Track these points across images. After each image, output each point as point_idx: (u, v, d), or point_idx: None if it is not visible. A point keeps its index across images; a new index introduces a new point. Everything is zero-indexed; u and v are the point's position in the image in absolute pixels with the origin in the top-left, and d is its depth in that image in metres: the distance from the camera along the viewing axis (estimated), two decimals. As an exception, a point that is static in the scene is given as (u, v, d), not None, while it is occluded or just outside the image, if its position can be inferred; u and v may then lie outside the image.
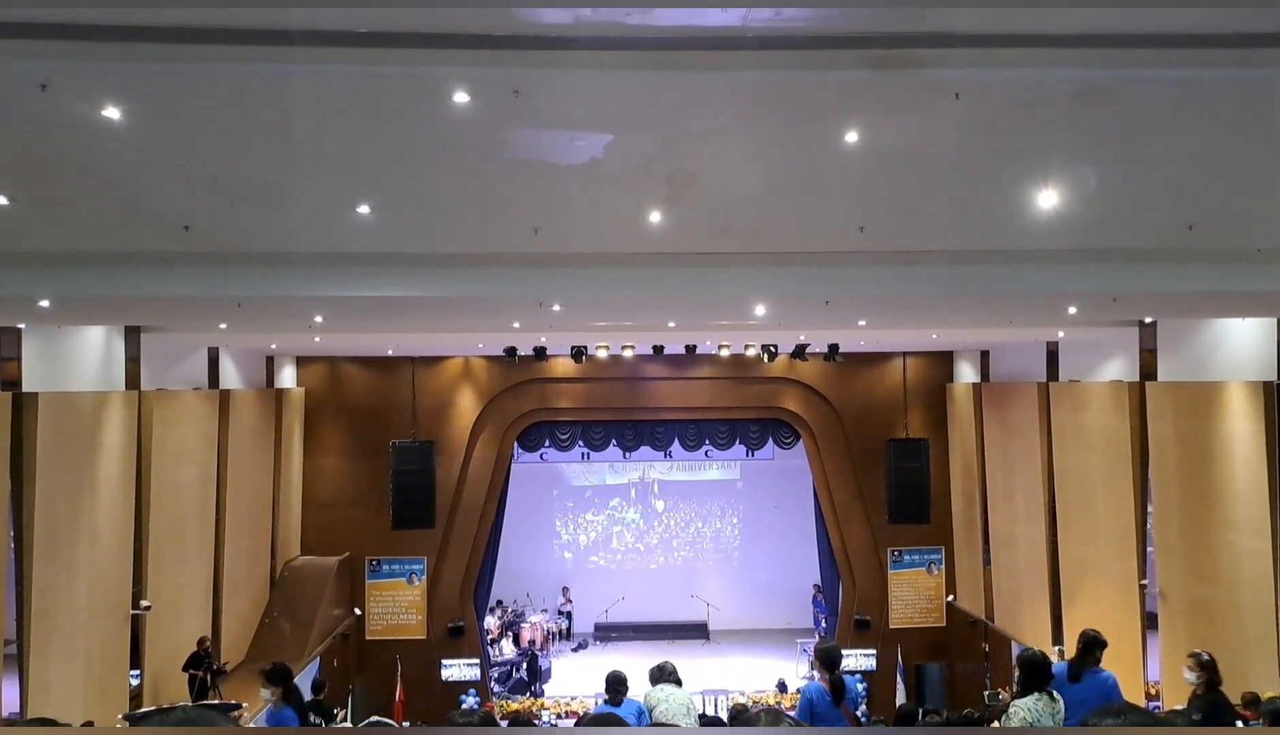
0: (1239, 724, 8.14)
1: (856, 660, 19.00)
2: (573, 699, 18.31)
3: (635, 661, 20.38)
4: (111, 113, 4.59)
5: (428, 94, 4.60)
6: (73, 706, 10.42)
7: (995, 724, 6.53)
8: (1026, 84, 4.62)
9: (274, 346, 16.99)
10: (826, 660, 7.17)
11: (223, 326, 12.16)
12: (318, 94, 4.63)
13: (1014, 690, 6.23)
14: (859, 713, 7.45)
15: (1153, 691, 12.94)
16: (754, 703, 16.71)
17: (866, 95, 4.72)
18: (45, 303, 8.49)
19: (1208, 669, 7.28)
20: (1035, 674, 5.97)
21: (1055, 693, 5.98)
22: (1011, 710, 6.02)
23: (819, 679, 7.27)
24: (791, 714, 6.93)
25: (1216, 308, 10.80)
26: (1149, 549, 13.30)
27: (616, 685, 7.60)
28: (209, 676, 13.10)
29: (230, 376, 15.93)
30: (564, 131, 5.17)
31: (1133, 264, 7.95)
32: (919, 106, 4.84)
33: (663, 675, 7.69)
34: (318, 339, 14.85)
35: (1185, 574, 12.32)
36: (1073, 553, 15.00)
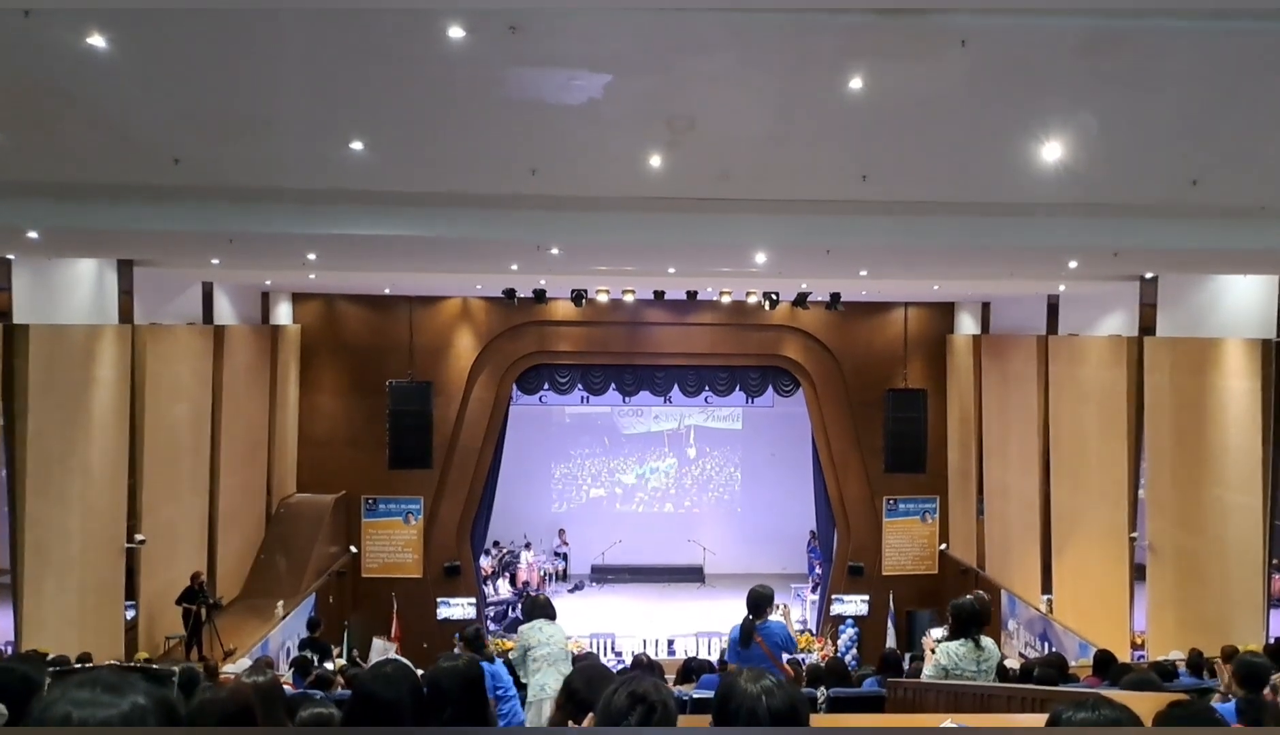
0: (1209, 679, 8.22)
1: (855, 606, 19.22)
2: (568, 638, 18.50)
3: (631, 603, 20.78)
4: (97, 41, 4.47)
5: (422, 28, 4.48)
6: (67, 638, 10.51)
7: (924, 665, 6.71)
8: (1033, 32, 4.50)
9: (269, 283, 16.89)
10: (749, 603, 7.17)
11: (215, 262, 12.07)
12: (310, 26, 4.51)
13: (945, 634, 6.39)
14: (793, 657, 7.47)
15: (1138, 641, 13.09)
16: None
17: (872, 39, 4.60)
18: (33, 234, 8.39)
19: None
20: (966, 621, 6.16)
21: (982, 641, 6.11)
22: (938, 651, 6.23)
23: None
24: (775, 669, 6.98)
25: (1218, 264, 10.71)
26: (1140, 502, 13.35)
27: (477, 642, 7.35)
28: (204, 611, 13.23)
29: (225, 312, 15.85)
30: (562, 70, 5.06)
31: (1135, 218, 7.86)
32: (924, 53, 4.72)
33: (536, 608, 7.51)
34: (313, 276, 14.75)
35: (1175, 527, 12.38)
36: (1064, 504, 15.08)
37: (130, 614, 12.59)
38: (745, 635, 7.04)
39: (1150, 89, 5.12)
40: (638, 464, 23.96)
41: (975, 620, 6.20)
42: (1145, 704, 2.54)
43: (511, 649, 7.83)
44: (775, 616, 7.60)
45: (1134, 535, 13.28)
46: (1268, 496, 10.74)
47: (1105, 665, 8.63)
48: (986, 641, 6.17)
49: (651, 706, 2.20)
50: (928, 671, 6.34)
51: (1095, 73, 4.89)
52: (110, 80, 5.02)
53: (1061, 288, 14.69)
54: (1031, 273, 12.64)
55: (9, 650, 10.02)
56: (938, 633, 9.23)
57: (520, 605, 19.77)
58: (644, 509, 23.84)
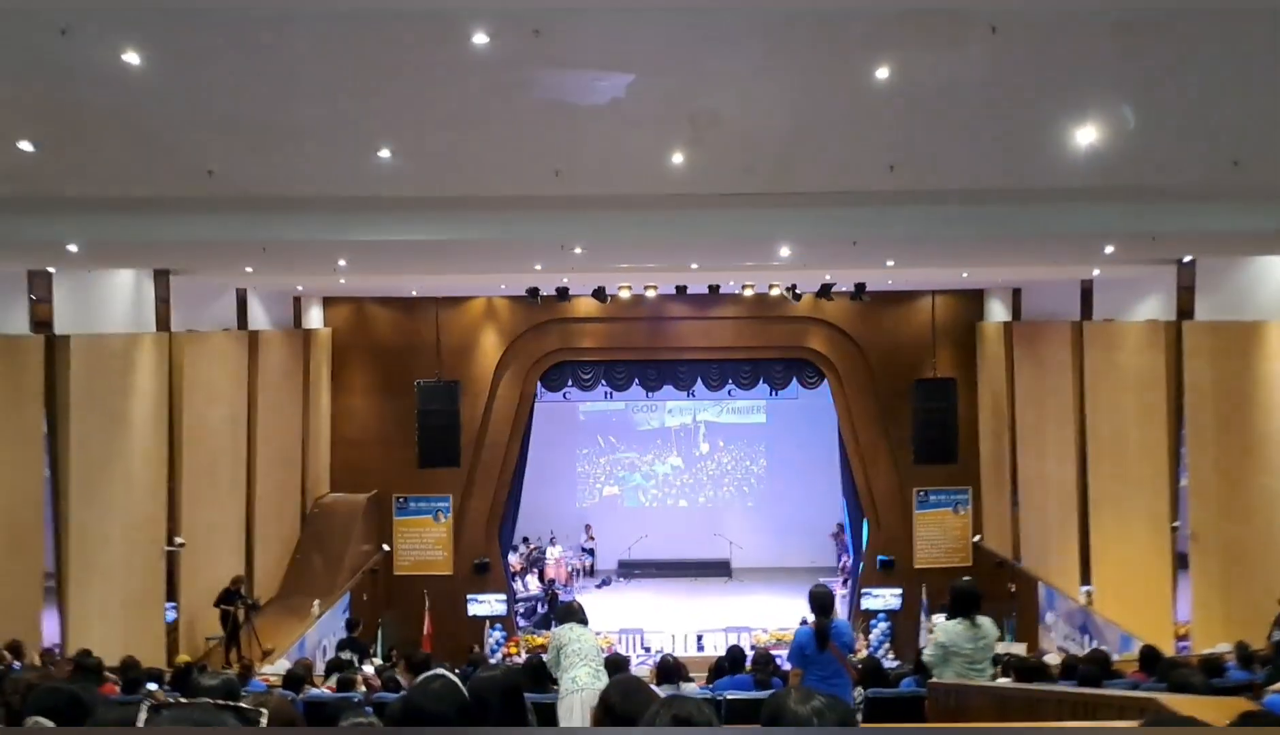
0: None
1: (885, 600, 19.08)
2: (597, 633, 18.51)
3: (659, 599, 20.76)
4: (131, 57, 4.52)
5: (447, 35, 4.49)
6: (111, 640, 10.65)
7: (926, 647, 6.90)
8: (1065, 17, 4.44)
9: (300, 288, 17.06)
10: (816, 605, 7.01)
11: (249, 269, 12.20)
12: (337, 36, 4.53)
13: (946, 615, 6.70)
14: (854, 655, 7.39)
15: (1181, 632, 12.92)
16: (777, 639, 16.81)
17: (899, 29, 4.55)
18: (73, 247, 8.51)
19: None
20: (963, 602, 6.44)
21: (978, 620, 6.36)
22: (936, 629, 6.58)
23: (811, 623, 7.15)
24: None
25: (1260, 246, 10.54)
26: (1181, 490, 13.16)
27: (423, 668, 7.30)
28: (245, 612, 13.41)
29: (258, 317, 16.02)
30: (585, 71, 5.05)
31: (1174, 202, 7.76)
32: (954, 41, 4.67)
33: (569, 614, 7.58)
34: (343, 280, 14.87)
35: (1218, 516, 12.19)
36: (1103, 493, 14.90)
37: (171, 616, 12.76)
38: (822, 638, 6.82)
39: (1186, 70, 5.03)
40: (656, 460, 23.84)
41: (972, 601, 6.46)
42: (1206, 710, 2.50)
43: (544, 644, 7.87)
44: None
45: (1176, 524, 13.10)
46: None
47: (1151, 661, 8.46)
48: (983, 620, 6.41)
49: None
50: (929, 652, 6.60)
51: (1130, 55, 4.81)
52: (145, 96, 5.08)
53: (1096, 272, 14.51)
54: (1065, 258, 12.49)
55: (56, 652, 10.17)
56: (938, 618, 9.41)
57: (552, 606, 19.80)
58: (667, 504, 23.73)
